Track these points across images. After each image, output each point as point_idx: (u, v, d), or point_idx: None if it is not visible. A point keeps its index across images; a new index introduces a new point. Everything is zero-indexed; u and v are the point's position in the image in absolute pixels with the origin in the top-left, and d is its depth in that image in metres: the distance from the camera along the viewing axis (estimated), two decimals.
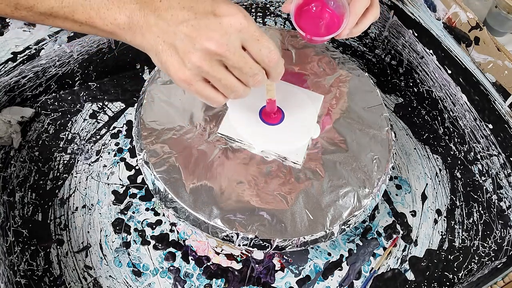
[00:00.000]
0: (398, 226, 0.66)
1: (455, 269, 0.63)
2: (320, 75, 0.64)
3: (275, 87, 0.51)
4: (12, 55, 0.62)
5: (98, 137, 0.69)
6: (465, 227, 0.67)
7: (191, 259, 0.60)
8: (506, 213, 0.66)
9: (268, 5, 0.79)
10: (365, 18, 0.54)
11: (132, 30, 0.41)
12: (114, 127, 0.70)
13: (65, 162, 0.66)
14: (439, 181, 0.70)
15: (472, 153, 0.70)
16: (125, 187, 0.65)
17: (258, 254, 0.61)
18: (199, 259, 0.60)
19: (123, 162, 0.67)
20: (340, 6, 0.54)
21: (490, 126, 0.64)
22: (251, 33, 0.39)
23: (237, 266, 0.60)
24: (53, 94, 0.71)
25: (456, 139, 0.72)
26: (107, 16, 0.41)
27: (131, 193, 0.64)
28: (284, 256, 0.61)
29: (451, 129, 0.72)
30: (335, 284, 0.60)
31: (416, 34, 0.71)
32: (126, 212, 0.62)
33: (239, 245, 0.50)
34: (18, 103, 0.69)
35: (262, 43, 0.40)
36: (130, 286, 0.57)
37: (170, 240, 0.61)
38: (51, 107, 0.70)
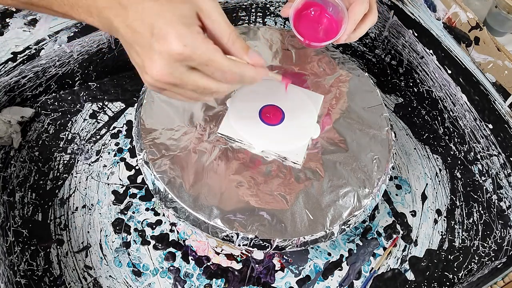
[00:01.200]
0: (398, 226, 0.66)
1: (455, 269, 0.63)
2: (320, 75, 0.64)
3: (276, 74, 0.49)
4: (12, 55, 0.62)
5: (98, 137, 0.69)
6: (465, 227, 0.67)
7: (191, 259, 0.60)
8: (506, 213, 0.66)
9: (268, 5, 0.79)
10: (363, 24, 0.54)
11: (106, 29, 0.40)
12: (114, 127, 0.70)
13: (65, 162, 0.66)
14: (439, 181, 0.70)
15: (472, 153, 0.70)
16: (125, 187, 0.65)
17: (258, 254, 0.61)
18: (199, 259, 0.60)
19: (123, 162, 0.67)
20: (339, 11, 0.54)
21: (490, 126, 0.64)
22: (196, 60, 0.37)
23: (237, 266, 0.60)
24: (53, 94, 0.71)
25: (456, 139, 0.72)
26: (80, 14, 0.40)
27: (131, 193, 0.64)
28: (284, 256, 0.61)
29: (451, 129, 0.72)
30: (335, 284, 0.60)
31: (416, 34, 0.71)
32: (126, 212, 0.62)
33: (239, 245, 0.50)
34: (18, 103, 0.69)
35: (212, 66, 0.38)
36: (130, 286, 0.57)
37: (170, 240, 0.61)
38: (51, 107, 0.70)
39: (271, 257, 0.61)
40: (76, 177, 0.65)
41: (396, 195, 0.69)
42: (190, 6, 0.37)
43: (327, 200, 0.52)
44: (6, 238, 0.58)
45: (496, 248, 0.65)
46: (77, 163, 0.66)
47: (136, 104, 0.59)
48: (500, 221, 0.66)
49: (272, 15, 0.80)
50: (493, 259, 0.64)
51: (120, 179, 0.65)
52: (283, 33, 0.67)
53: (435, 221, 0.67)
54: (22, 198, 0.62)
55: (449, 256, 0.64)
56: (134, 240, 0.61)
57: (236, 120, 0.56)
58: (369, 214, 0.56)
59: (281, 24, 0.82)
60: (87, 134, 0.69)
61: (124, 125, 0.70)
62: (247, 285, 0.59)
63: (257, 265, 0.60)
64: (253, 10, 0.79)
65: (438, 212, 0.68)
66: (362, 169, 0.55)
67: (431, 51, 0.69)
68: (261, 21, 0.81)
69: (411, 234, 0.65)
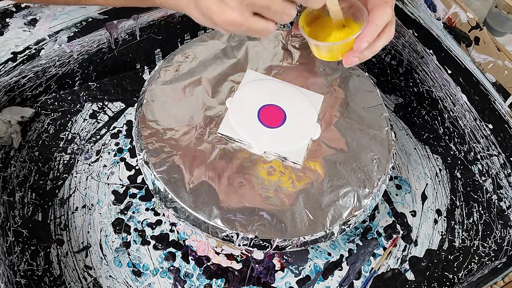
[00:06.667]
0: (398, 226, 0.66)
1: (455, 269, 0.63)
2: (320, 75, 0.64)
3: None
4: (12, 55, 0.62)
5: (98, 137, 0.69)
6: (465, 227, 0.67)
7: (191, 259, 0.60)
8: (506, 213, 0.66)
9: None
10: (379, 39, 0.47)
11: None
12: (114, 127, 0.70)
13: (65, 162, 0.66)
14: (439, 181, 0.70)
15: (472, 153, 0.70)
16: (125, 187, 0.65)
17: (258, 254, 0.61)
18: (199, 259, 0.60)
19: (123, 162, 0.67)
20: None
21: (490, 126, 0.64)
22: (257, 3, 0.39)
23: (237, 266, 0.60)
24: (53, 94, 0.71)
25: (456, 139, 0.72)
26: None
27: (131, 193, 0.64)
28: (284, 256, 0.61)
29: (451, 129, 0.72)
30: (335, 284, 0.60)
31: (416, 34, 0.71)
32: (126, 212, 0.62)
33: (239, 245, 0.50)
34: (18, 103, 0.69)
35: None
36: (130, 286, 0.57)
37: (170, 240, 0.61)
38: (51, 107, 0.70)
39: (271, 257, 0.61)
40: (76, 177, 0.65)
41: (396, 195, 0.69)
42: None
43: (327, 200, 0.52)
44: (6, 238, 0.58)
45: (496, 248, 0.65)
46: (77, 163, 0.66)
47: (136, 104, 0.59)
48: (500, 221, 0.66)
49: None
50: (493, 259, 0.64)
51: (120, 179, 0.65)
52: (283, 33, 0.67)
53: (435, 221, 0.67)
54: (22, 198, 0.62)
55: (449, 256, 0.64)
56: (134, 240, 0.61)
57: (236, 120, 0.56)
58: (369, 214, 0.56)
59: (281, 24, 0.82)
60: (87, 134, 0.69)
61: (124, 125, 0.70)
62: (247, 285, 0.59)
63: (257, 265, 0.60)
64: None
65: (438, 212, 0.68)
66: (362, 169, 0.55)
67: (431, 51, 0.69)
68: None
69: (411, 234, 0.65)
